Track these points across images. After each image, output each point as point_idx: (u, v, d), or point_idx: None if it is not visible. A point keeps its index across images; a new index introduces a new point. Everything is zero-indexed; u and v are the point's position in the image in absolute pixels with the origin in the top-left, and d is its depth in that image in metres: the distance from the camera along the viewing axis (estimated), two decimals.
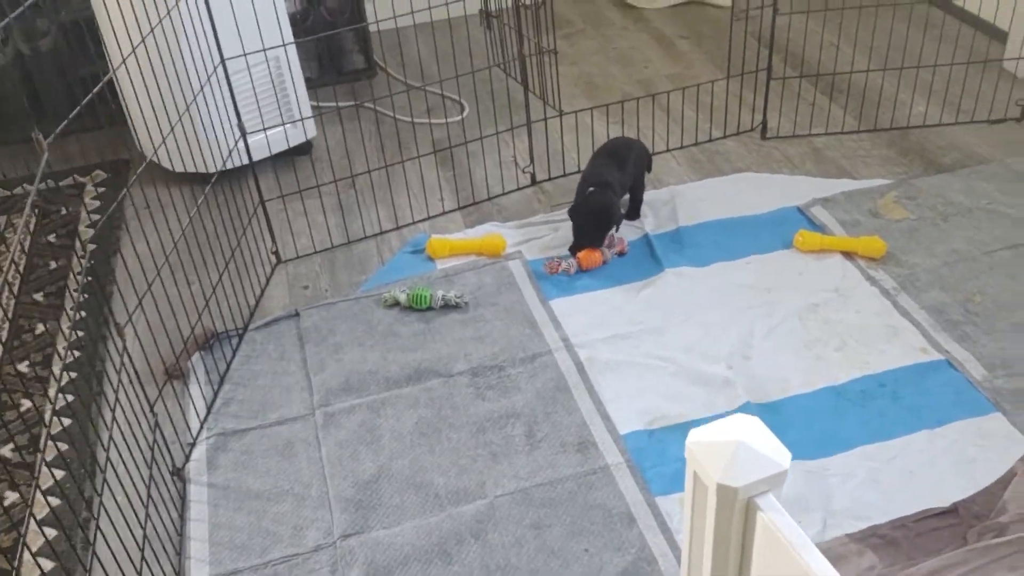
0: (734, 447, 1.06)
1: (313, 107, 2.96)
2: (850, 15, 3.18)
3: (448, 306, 2.29)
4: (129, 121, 2.77)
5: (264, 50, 2.24)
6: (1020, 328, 2.08)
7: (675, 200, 2.60)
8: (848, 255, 2.36)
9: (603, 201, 2.34)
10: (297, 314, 2.31)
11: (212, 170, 2.63)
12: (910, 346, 2.08)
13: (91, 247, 2.58)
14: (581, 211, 2.36)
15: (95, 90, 1.67)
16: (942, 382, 1.98)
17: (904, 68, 2.92)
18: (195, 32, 2.23)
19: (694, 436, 1.10)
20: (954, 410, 1.91)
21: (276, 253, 2.51)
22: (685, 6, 3.72)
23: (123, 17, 1.99)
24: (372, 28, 3.44)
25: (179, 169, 2.72)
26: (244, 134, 2.25)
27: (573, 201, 2.42)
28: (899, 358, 2.05)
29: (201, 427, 2.02)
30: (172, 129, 1.98)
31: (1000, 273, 2.24)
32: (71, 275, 2.51)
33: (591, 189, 2.37)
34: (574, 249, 2.38)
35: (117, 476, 1.63)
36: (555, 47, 2.56)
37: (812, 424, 1.92)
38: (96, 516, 1.64)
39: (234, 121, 2.24)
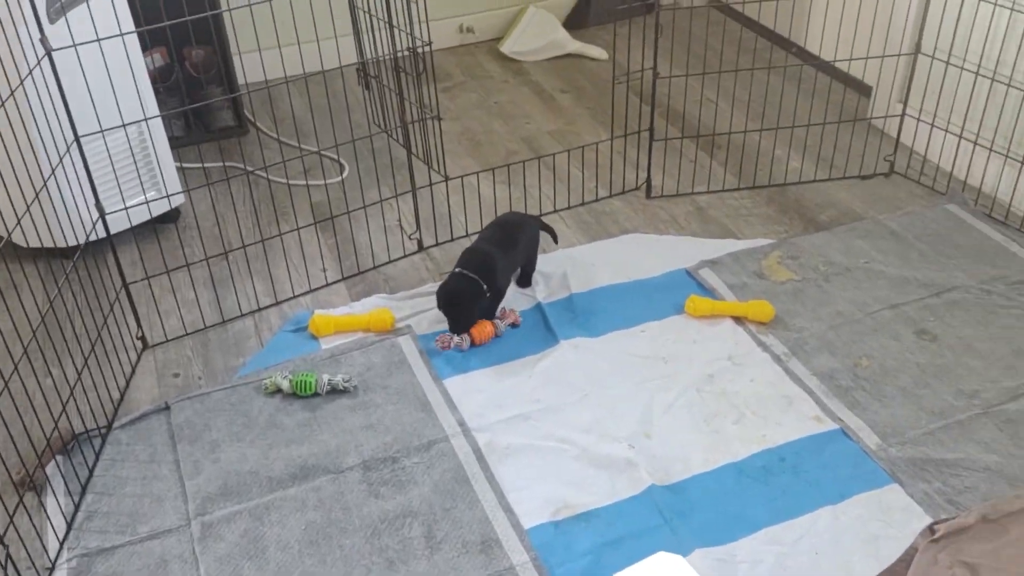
0: None
1: (178, 168, 2.76)
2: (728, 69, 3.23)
3: (335, 391, 2.15)
4: None
5: (124, 125, 2.05)
6: (907, 393, 2.13)
7: (566, 265, 2.55)
8: (738, 320, 2.36)
9: (456, 288, 2.23)
10: (167, 408, 2.12)
11: (65, 244, 2.40)
12: (805, 415, 2.08)
13: None
14: (439, 295, 2.26)
15: None
16: (839, 453, 1.99)
17: (780, 128, 2.98)
18: (43, 108, 2.02)
19: None
20: (853, 483, 1.92)
21: (142, 338, 2.30)
22: (562, 59, 3.71)
23: None
24: (240, 81, 3.26)
25: (20, 242, 2.47)
26: (103, 215, 2.06)
27: None
28: (795, 429, 2.05)
29: (61, 547, 1.81)
30: (19, 217, 1.78)
31: (883, 335, 2.29)
32: None
33: (456, 270, 2.27)
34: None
35: None
36: (439, 113, 2.48)
37: (716, 505, 1.88)
38: None
39: (91, 200, 2.05)
